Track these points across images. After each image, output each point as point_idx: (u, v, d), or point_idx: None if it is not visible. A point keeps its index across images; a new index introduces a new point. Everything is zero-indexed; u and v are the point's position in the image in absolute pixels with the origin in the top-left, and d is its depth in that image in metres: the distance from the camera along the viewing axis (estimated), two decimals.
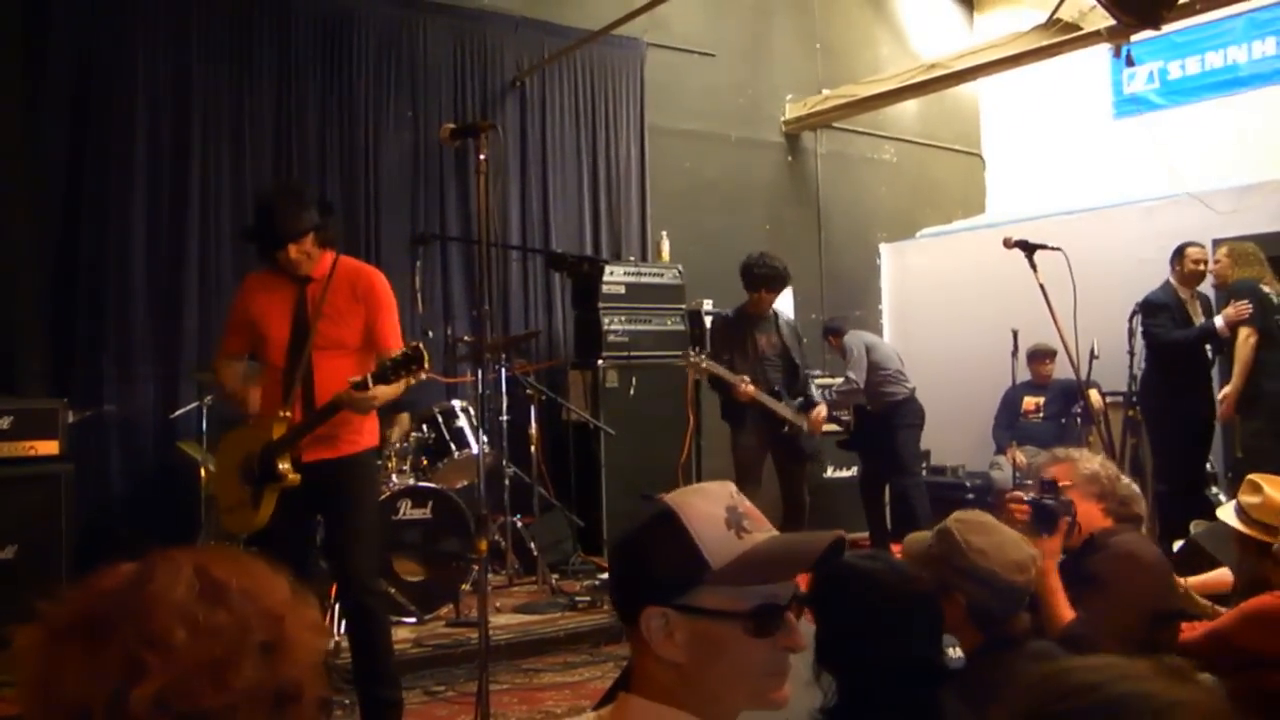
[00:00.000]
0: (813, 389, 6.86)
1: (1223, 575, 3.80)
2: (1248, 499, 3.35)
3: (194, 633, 0.98)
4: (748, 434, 6.52)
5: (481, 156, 2.74)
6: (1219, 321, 6.65)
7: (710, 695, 1.42)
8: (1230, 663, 2.94)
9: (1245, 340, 6.53)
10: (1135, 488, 3.21)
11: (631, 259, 8.12)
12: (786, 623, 1.44)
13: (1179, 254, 7.00)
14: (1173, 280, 7.00)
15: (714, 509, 1.46)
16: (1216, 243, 7.26)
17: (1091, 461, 3.10)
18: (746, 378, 6.32)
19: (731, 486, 1.51)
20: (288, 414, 3.95)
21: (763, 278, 6.58)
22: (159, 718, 0.95)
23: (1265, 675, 2.79)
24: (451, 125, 3.02)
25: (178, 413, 6.20)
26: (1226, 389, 6.67)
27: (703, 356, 6.33)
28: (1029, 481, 3.11)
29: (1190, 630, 3.15)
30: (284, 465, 3.86)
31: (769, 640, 1.42)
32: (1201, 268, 6.94)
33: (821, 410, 6.69)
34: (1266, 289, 6.67)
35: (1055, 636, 2.73)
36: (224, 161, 6.94)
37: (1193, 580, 3.42)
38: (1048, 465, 3.10)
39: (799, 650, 1.44)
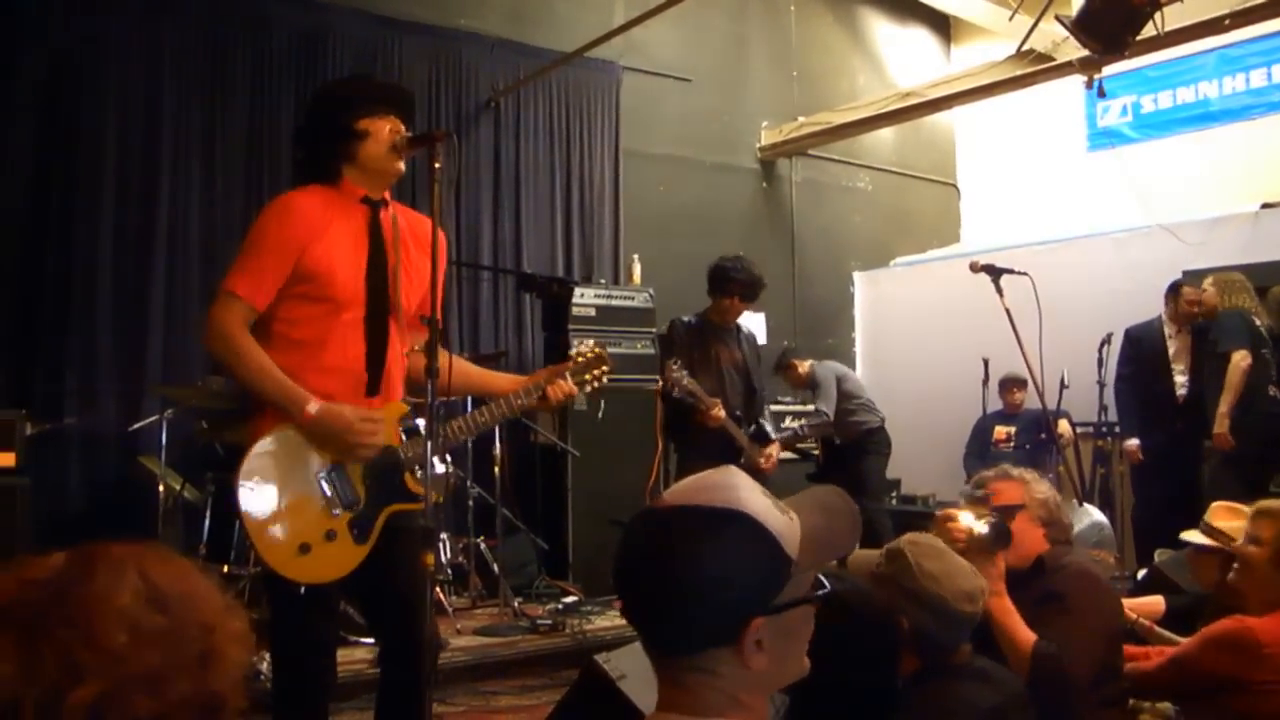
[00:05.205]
0: (767, 420, 6.32)
1: (1155, 602, 3.83)
2: (1215, 521, 3.42)
3: (135, 639, 0.95)
4: (699, 461, 5.86)
5: (436, 165, 2.69)
6: (1132, 443, 7.17)
7: (769, 686, 1.40)
8: (1195, 689, 2.94)
9: (1238, 364, 6.40)
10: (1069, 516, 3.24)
11: (603, 281, 8.08)
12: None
13: (1175, 291, 7.06)
14: (1165, 314, 7.09)
15: (761, 497, 1.36)
16: (1186, 274, 7.30)
17: (1041, 485, 3.07)
18: (719, 401, 5.76)
19: (733, 468, 1.42)
20: (400, 403, 3.02)
21: (739, 283, 6.01)
22: None
23: (1232, 699, 2.78)
24: (408, 134, 2.96)
25: (136, 425, 6.10)
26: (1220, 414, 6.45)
27: (684, 372, 5.65)
28: (979, 493, 3.03)
29: (1148, 659, 3.14)
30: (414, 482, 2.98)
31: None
32: (1196, 309, 6.95)
33: (775, 450, 6.10)
34: (1257, 320, 6.66)
35: (1023, 657, 2.68)
36: (194, 177, 6.88)
37: (1127, 602, 3.43)
38: (997, 481, 3.06)
39: None
